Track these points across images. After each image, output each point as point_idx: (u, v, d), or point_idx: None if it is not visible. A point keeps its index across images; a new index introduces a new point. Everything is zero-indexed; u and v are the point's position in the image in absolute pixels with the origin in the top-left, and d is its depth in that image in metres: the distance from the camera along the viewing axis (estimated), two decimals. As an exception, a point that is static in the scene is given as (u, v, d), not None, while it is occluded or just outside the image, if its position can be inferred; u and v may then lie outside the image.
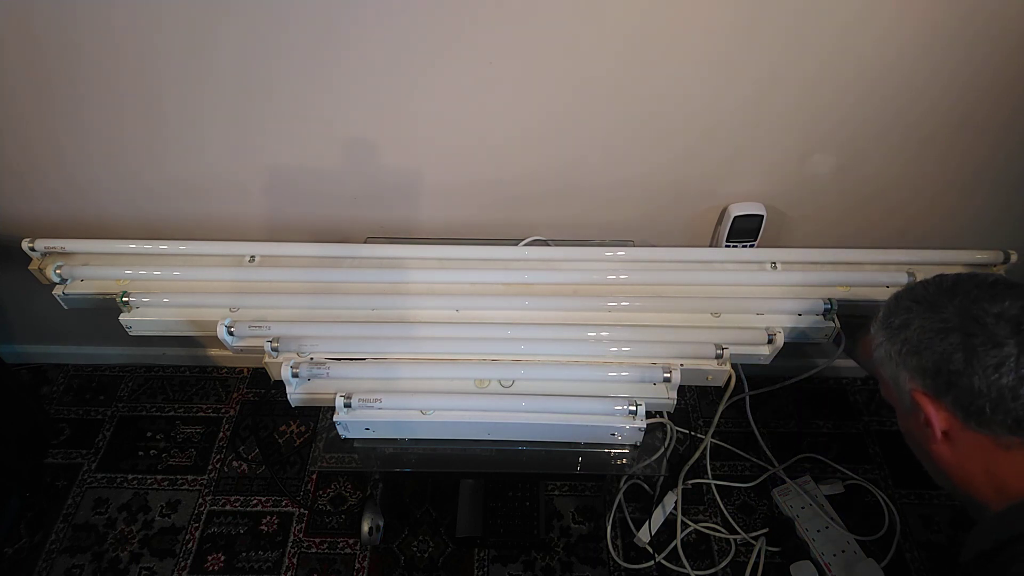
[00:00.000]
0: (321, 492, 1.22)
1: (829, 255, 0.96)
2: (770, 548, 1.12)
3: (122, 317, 0.91)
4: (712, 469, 1.21)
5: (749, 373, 1.15)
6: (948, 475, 0.64)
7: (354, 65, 0.81)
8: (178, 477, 1.24)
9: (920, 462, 0.69)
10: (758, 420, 1.21)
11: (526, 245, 1.00)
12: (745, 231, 0.98)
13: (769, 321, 0.89)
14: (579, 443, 0.86)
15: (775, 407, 1.32)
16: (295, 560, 1.14)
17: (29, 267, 0.97)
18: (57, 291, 0.94)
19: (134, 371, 1.40)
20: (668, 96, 0.84)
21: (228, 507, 1.20)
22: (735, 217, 0.97)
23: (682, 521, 1.14)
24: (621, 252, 0.96)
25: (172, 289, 0.94)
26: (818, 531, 1.10)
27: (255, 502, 1.21)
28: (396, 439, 0.86)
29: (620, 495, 1.18)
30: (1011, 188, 0.96)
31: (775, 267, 0.95)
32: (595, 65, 0.80)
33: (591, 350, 0.86)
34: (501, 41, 0.78)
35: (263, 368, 0.86)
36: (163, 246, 0.97)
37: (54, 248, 0.97)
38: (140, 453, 1.27)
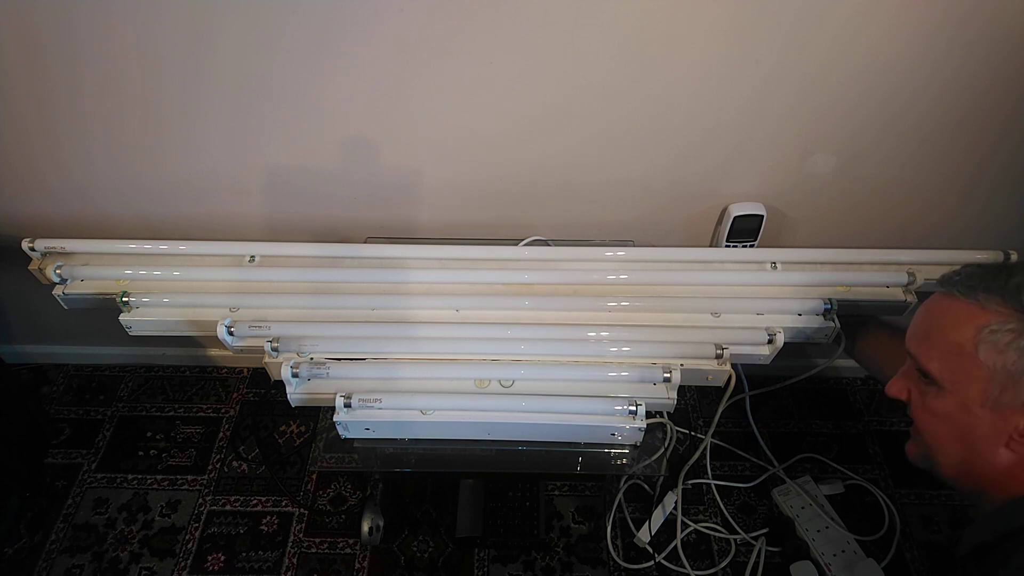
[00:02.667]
0: (321, 492, 1.22)
1: (829, 255, 0.96)
2: (770, 548, 1.12)
3: (122, 317, 0.91)
4: (712, 469, 1.21)
5: (749, 373, 1.15)
6: (976, 473, 0.62)
7: (354, 65, 0.81)
8: (178, 477, 1.24)
9: (928, 447, 0.66)
10: (758, 420, 1.21)
11: (526, 245, 1.00)
12: (745, 231, 0.98)
13: (769, 321, 0.89)
14: (579, 443, 0.86)
15: (775, 407, 1.32)
16: (295, 560, 1.14)
17: (29, 267, 0.97)
18: (57, 291, 0.94)
19: (134, 371, 1.40)
20: (668, 96, 0.84)
21: (228, 507, 1.20)
22: (735, 217, 0.97)
23: (682, 521, 1.14)
24: (621, 252, 0.96)
25: (172, 289, 0.94)
26: (818, 531, 1.10)
27: (255, 502, 1.21)
28: (396, 439, 0.86)
29: (620, 495, 1.18)
30: (1011, 188, 0.96)
31: (775, 267, 0.95)
32: (595, 65, 0.80)
33: (591, 350, 0.86)
34: (501, 40, 0.78)
35: (263, 368, 0.86)
36: (163, 246, 0.97)
37: (54, 248, 0.97)
38: (140, 453, 1.27)
